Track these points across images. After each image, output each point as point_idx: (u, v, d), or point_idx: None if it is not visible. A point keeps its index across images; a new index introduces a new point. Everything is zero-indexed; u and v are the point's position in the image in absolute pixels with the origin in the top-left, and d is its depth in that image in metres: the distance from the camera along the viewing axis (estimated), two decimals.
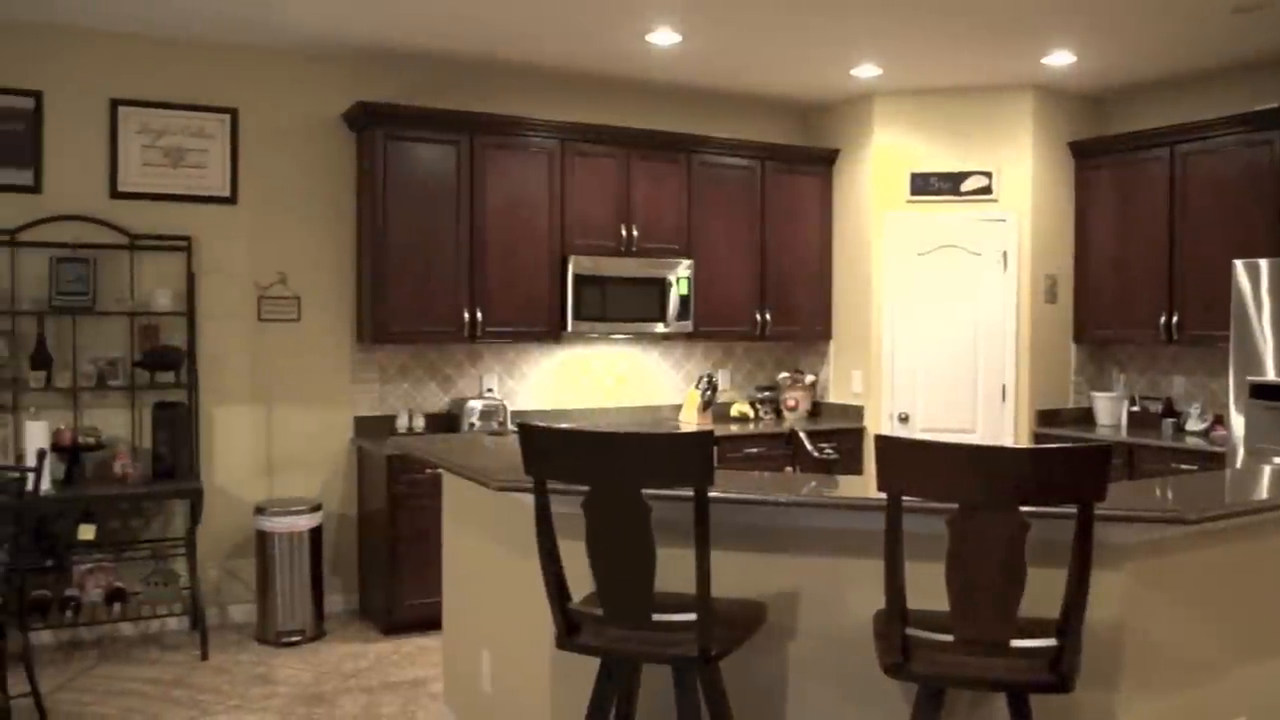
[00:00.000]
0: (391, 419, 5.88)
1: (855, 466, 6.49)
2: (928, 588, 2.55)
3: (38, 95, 5.23)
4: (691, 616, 2.45)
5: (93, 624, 5.31)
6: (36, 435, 4.88)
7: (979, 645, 2.28)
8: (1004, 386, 6.40)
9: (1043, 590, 2.51)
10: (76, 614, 5.11)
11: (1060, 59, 5.77)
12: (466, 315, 5.72)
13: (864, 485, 2.99)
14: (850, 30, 5.31)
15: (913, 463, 2.25)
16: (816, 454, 3.40)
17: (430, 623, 5.23)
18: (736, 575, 2.91)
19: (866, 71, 6.08)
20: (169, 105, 5.46)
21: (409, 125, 5.58)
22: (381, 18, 5.13)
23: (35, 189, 5.21)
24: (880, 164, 6.56)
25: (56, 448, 5.00)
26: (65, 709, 4.40)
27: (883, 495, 2.31)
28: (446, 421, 5.97)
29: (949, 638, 2.30)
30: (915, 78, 6.23)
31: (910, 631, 2.33)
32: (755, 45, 5.59)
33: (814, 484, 2.92)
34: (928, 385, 6.50)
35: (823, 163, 6.83)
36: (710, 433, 2.37)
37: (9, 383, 5.11)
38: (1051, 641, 2.27)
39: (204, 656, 5.07)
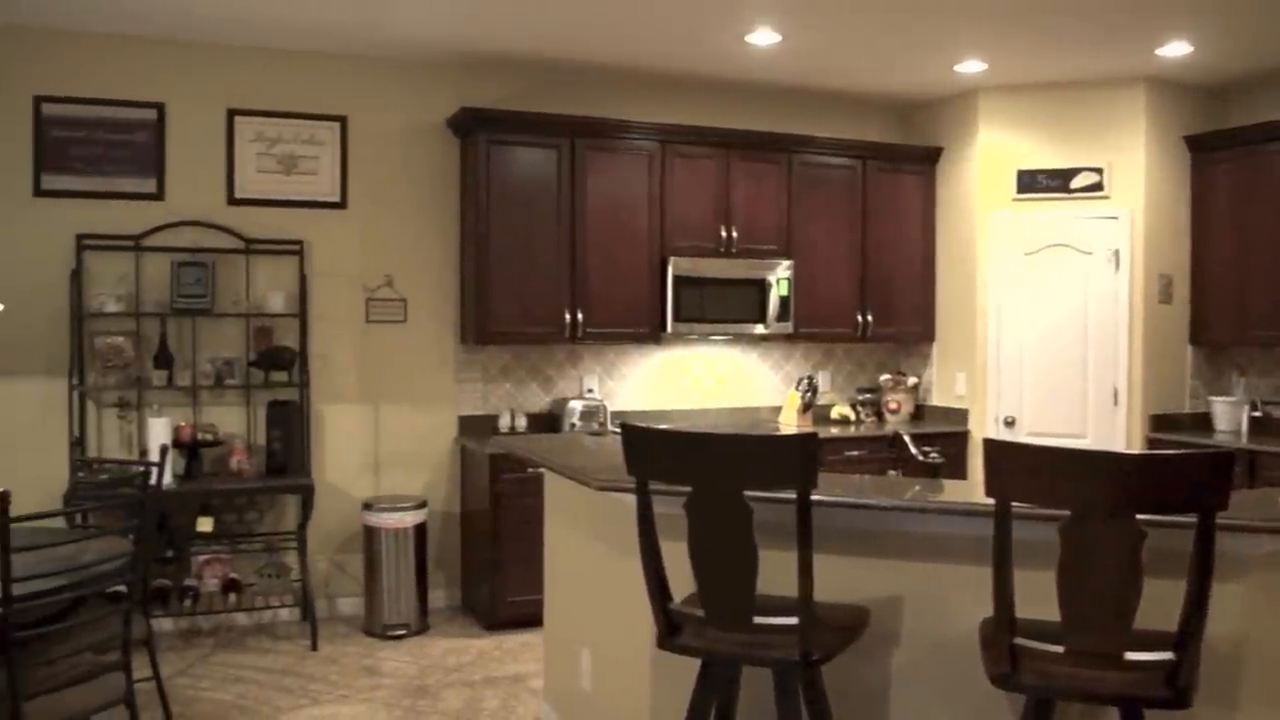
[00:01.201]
0: (494, 418, 5.97)
1: (959, 471, 6.37)
2: (1037, 596, 2.49)
3: (160, 107, 5.44)
4: (793, 620, 2.44)
5: (209, 613, 5.51)
6: (159, 431, 5.09)
7: (1091, 657, 2.22)
8: (1115, 390, 6.22)
9: (1159, 601, 2.43)
10: (194, 603, 5.31)
11: (1175, 50, 5.59)
12: (568, 316, 5.78)
13: (970, 490, 2.95)
14: (954, 25, 5.22)
15: (1023, 468, 2.21)
16: (921, 457, 3.36)
17: (531, 620, 5.29)
18: (839, 579, 2.89)
19: (971, 67, 5.97)
20: (282, 114, 5.64)
21: (511, 129, 5.67)
22: (485, 25, 5.21)
23: (158, 196, 5.43)
24: (985, 161, 6.43)
25: (177, 443, 5.20)
26: (184, 694, 4.58)
27: (991, 501, 2.27)
28: (548, 421, 6.04)
29: (1059, 648, 2.25)
30: (1022, 72, 6.10)
31: (1019, 641, 2.29)
32: (856, 43, 5.53)
33: (919, 488, 2.88)
34: (1035, 388, 6.35)
35: (925, 161, 6.72)
36: (814, 435, 2.36)
37: (133, 381, 5.33)
38: (1168, 655, 2.20)
39: (313, 647, 5.22)
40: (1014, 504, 2.25)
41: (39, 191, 5.26)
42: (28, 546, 3.06)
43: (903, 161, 6.66)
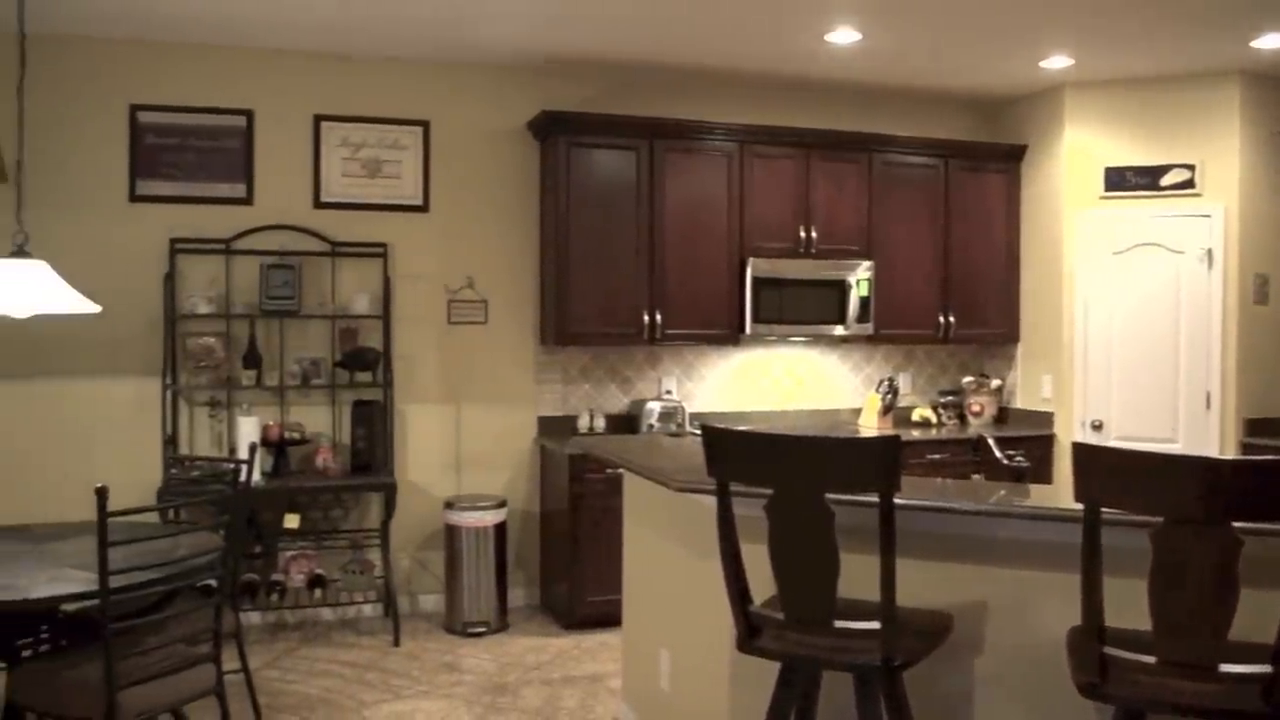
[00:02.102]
0: (573, 419, 6.01)
1: (1044, 476, 6.25)
2: (1127, 604, 2.44)
3: (249, 114, 5.58)
4: (875, 624, 2.42)
5: (295, 607, 5.63)
6: (248, 430, 5.23)
7: (1183, 668, 2.16)
8: (1208, 393, 6.04)
9: (1258, 612, 2.36)
10: (281, 597, 5.44)
11: (1271, 41, 5.41)
12: (646, 318, 5.79)
13: (1057, 495, 2.89)
14: (1039, 21, 5.12)
15: (1114, 473, 2.15)
16: (1006, 461, 3.30)
17: (610, 619, 5.31)
18: (921, 584, 2.86)
19: (1057, 63, 5.85)
20: (367, 119, 5.75)
21: (591, 132, 5.70)
22: (566, 29, 5.26)
23: (248, 200, 5.57)
24: (1072, 159, 6.30)
25: (265, 442, 5.33)
26: (271, 686, 4.69)
27: (1080, 506, 2.22)
28: (626, 422, 6.06)
29: (1150, 659, 2.19)
30: (1109, 68, 5.96)
31: (1108, 650, 2.24)
32: (938, 40, 5.46)
33: (1003, 492, 2.83)
34: (1123, 391, 6.20)
35: (1009, 159, 6.60)
36: (897, 438, 2.34)
37: (224, 380, 5.48)
38: (1265, 668, 2.13)
39: (395, 643, 5.31)
40: (1104, 510, 2.20)
41: (134, 197, 5.44)
42: (124, 540, 3.15)
43: (986, 160, 6.55)
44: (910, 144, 6.35)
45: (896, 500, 2.39)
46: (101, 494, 3.01)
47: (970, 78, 6.24)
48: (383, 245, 5.73)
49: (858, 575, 2.69)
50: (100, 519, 2.99)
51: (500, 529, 5.56)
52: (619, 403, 6.15)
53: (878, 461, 2.32)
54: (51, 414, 5.33)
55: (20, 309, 3.50)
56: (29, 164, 5.11)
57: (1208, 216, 6.04)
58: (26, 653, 3.59)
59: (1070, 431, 6.26)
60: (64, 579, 3.24)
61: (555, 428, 6.02)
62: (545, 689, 4.70)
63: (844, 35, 5.34)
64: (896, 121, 6.63)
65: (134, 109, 5.43)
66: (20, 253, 3.63)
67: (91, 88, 5.37)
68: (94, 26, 5.20)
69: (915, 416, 6.54)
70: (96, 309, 3.73)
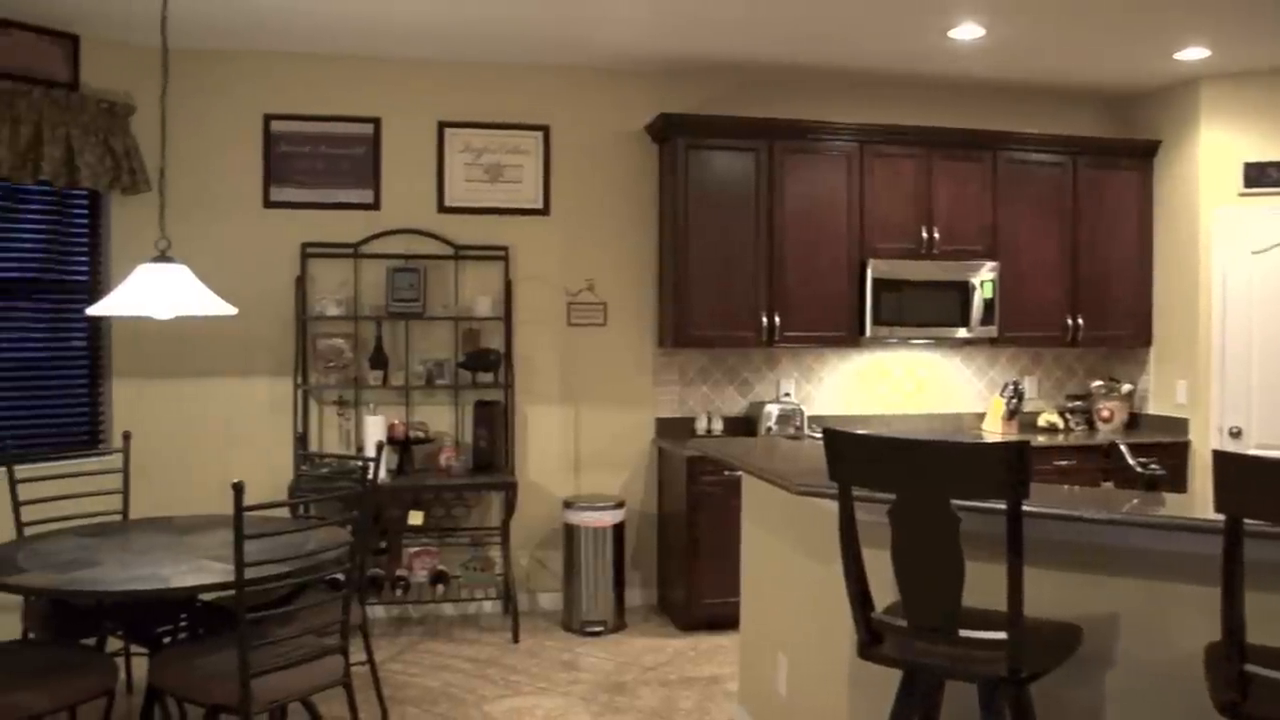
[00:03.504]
0: (691, 421, 6.02)
1: (1179, 484, 6.00)
2: (1269, 620, 2.33)
3: (376, 121, 5.75)
4: (1002, 634, 2.36)
5: (418, 602, 5.77)
6: (374, 429, 5.38)
7: None
8: None
9: None
10: (405, 592, 5.58)
11: None
12: (765, 320, 5.77)
13: (1194, 504, 2.78)
14: (1173, 11, 4.92)
15: (1259, 483, 2.06)
16: (1139, 469, 3.18)
17: (726, 622, 5.30)
18: (1049, 595, 2.78)
19: (1192, 54, 5.61)
20: (489, 125, 5.85)
21: (709, 134, 5.70)
22: (685, 32, 5.27)
23: (375, 206, 5.73)
24: (1209, 155, 6.04)
25: (390, 440, 5.47)
26: (395, 678, 4.81)
27: (1221, 517, 2.13)
28: (744, 424, 6.04)
29: None
30: (1248, 58, 5.69)
31: (1249, 668, 2.14)
32: (1065, 33, 5.29)
33: (1136, 501, 2.74)
34: (1264, 396, 5.91)
35: (1141, 156, 6.37)
36: (1026, 443, 2.27)
37: (351, 380, 5.64)
38: None
39: (515, 640, 5.39)
40: (1247, 521, 2.10)
41: (268, 203, 5.65)
42: (259, 534, 3.28)
43: (1116, 157, 6.32)
44: (1036, 141, 6.18)
45: (1025, 507, 2.33)
46: (238, 489, 3.12)
47: (1099, 72, 6.04)
48: (504, 248, 5.83)
49: (983, 583, 2.63)
50: (237, 513, 3.11)
51: (618, 529, 5.60)
52: (737, 405, 6.14)
53: (1006, 467, 2.26)
54: (191, 411, 5.57)
55: (163, 310, 3.67)
56: (170, 172, 5.35)
57: None
58: (166, 639, 3.76)
59: (1206, 438, 6.00)
60: (202, 570, 3.38)
61: (673, 429, 6.04)
62: (662, 690, 4.71)
63: (967, 31, 5.23)
64: (1021, 118, 6.46)
65: (268, 118, 5.64)
66: (163, 257, 3.80)
67: (228, 99, 5.60)
68: (230, 40, 5.42)
69: (1041, 422, 6.36)
70: (233, 311, 3.88)
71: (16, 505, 4.28)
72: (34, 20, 5.00)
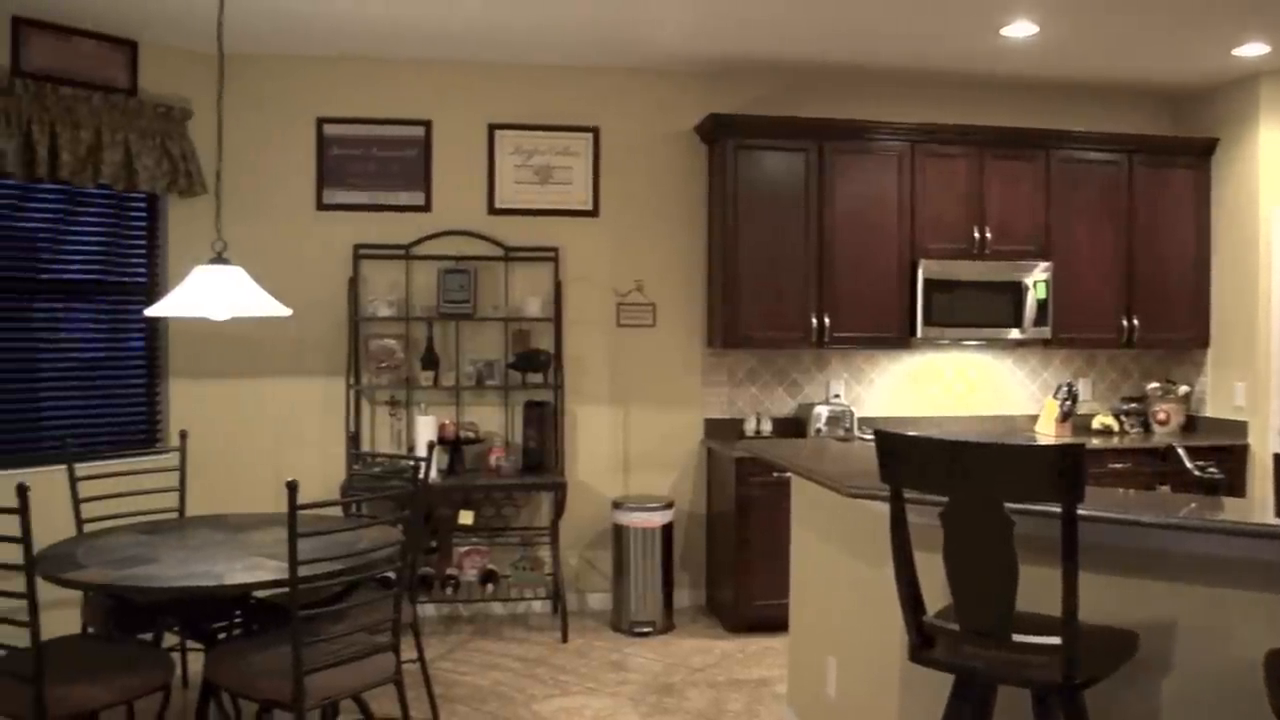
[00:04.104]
0: (740, 422, 6.01)
1: (1238, 488, 5.88)
2: None
3: (428, 124, 5.80)
4: (1055, 640, 2.33)
5: (468, 601, 5.81)
6: (425, 429, 5.42)
7: None
8: None
9: None
10: (455, 591, 5.62)
11: None
12: (814, 321, 5.74)
13: (1252, 508, 2.72)
14: (1232, 6, 4.82)
15: None
16: (1197, 472, 3.13)
17: (775, 624, 5.28)
18: (1104, 600, 2.74)
19: (1252, 50, 5.50)
20: (538, 127, 5.88)
21: (758, 134, 5.69)
22: (735, 32, 5.26)
23: (426, 208, 5.79)
24: (1270, 153, 5.90)
25: (441, 440, 5.51)
26: (445, 676, 4.84)
27: None
28: (793, 426, 6.02)
29: None
30: None
31: None
32: (1120, 29, 5.21)
33: (1194, 505, 2.69)
34: None
35: (1198, 154, 6.25)
36: (1081, 446, 2.24)
37: (403, 381, 5.70)
38: None
39: (564, 639, 5.41)
40: None
41: (321, 205, 5.72)
42: (312, 532, 3.31)
43: (1173, 155, 6.21)
44: (1090, 140, 6.09)
45: (1080, 511, 2.30)
46: (292, 488, 3.16)
47: (1155, 69, 5.94)
48: (554, 250, 5.86)
49: (1036, 588, 2.60)
50: (290, 511, 3.14)
51: (667, 530, 5.60)
52: (786, 406, 6.11)
53: (1061, 470, 2.24)
54: (246, 411, 5.65)
55: (219, 311, 3.73)
56: (226, 175, 5.44)
57: None
58: (221, 635, 3.82)
59: (1266, 441, 5.87)
60: (257, 567, 3.42)
61: (721, 430, 6.03)
62: (710, 691, 4.70)
63: (1020, 28, 5.16)
64: (1075, 117, 6.36)
65: (320, 122, 5.71)
66: (219, 259, 3.86)
67: (282, 102, 5.68)
68: (284, 44, 5.49)
69: (1096, 424, 6.26)
70: (287, 312, 3.93)
71: (77, 502, 4.37)
72: (94, 27, 5.11)
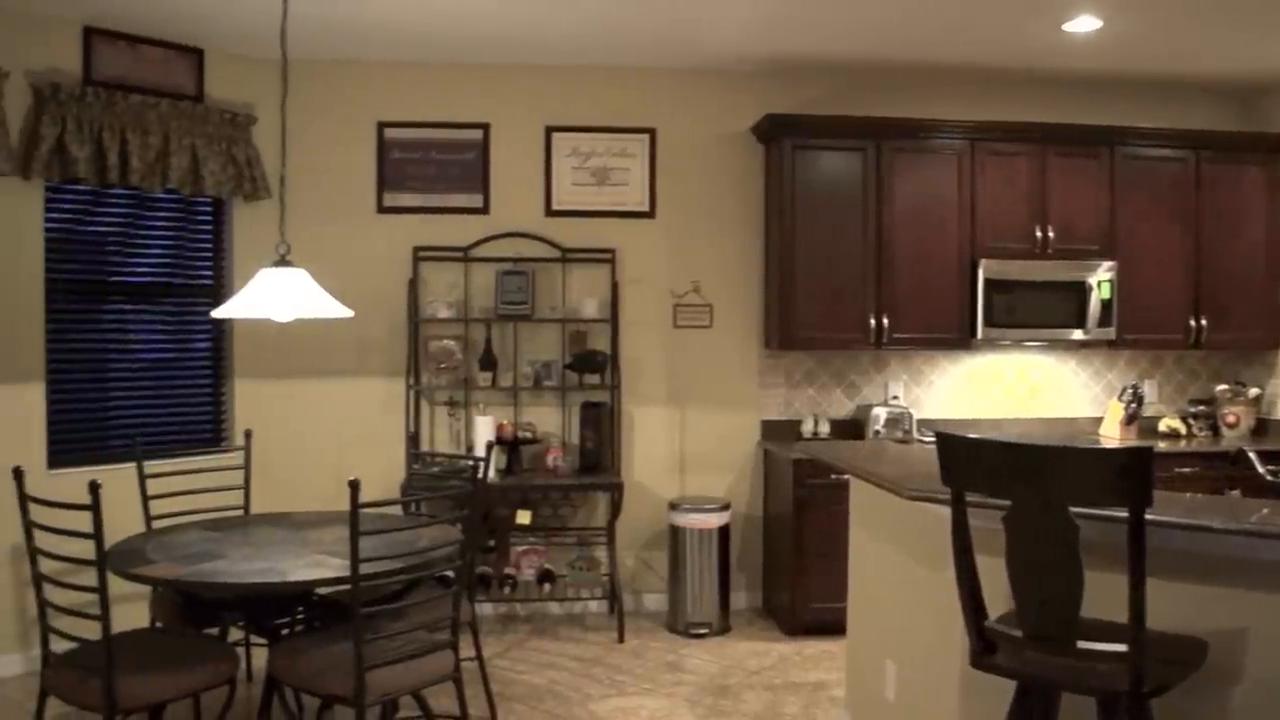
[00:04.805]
0: (797, 423, 5.98)
1: None
2: None
3: (486, 127, 5.84)
4: (1122, 647, 2.29)
5: (525, 600, 5.84)
6: (483, 429, 5.47)
7: None
8: None
9: None
10: (512, 590, 5.65)
11: None
12: (873, 322, 5.69)
13: None
14: None
15: None
16: (1269, 476, 3.06)
17: (833, 627, 5.24)
18: (1172, 607, 2.68)
19: None
20: (595, 129, 5.90)
21: (816, 134, 5.66)
22: (792, 31, 5.23)
23: (484, 210, 5.84)
24: None
25: (499, 440, 5.55)
26: (503, 675, 4.88)
27: None
28: (850, 428, 5.97)
29: None
30: None
31: None
32: (1187, 22, 5.10)
33: (1266, 511, 2.62)
34: None
35: (1269, 150, 6.08)
36: (1149, 448, 2.20)
37: (461, 381, 5.75)
38: None
39: (620, 639, 5.42)
40: None
41: (381, 208, 5.79)
42: (373, 530, 3.36)
43: (1243, 151, 6.06)
44: (1156, 136, 5.96)
45: (1147, 516, 2.25)
46: (354, 486, 3.20)
47: (1223, 63, 5.80)
48: (610, 251, 5.88)
49: (1101, 593, 2.56)
50: (353, 510, 3.19)
51: (724, 531, 5.59)
52: (844, 407, 6.07)
53: (1128, 474, 2.19)
54: (308, 411, 5.74)
55: (283, 313, 3.79)
56: (289, 179, 5.52)
57: None
58: (284, 631, 3.88)
59: None
60: (319, 565, 3.48)
61: (778, 432, 6.00)
62: (767, 694, 4.69)
63: (1083, 23, 5.08)
64: (1139, 112, 6.24)
65: (381, 126, 5.78)
66: (283, 262, 3.92)
67: (343, 107, 5.76)
68: (346, 50, 5.57)
69: (1162, 427, 6.14)
70: (349, 313, 3.98)
71: (146, 500, 4.47)
72: (162, 36, 5.22)
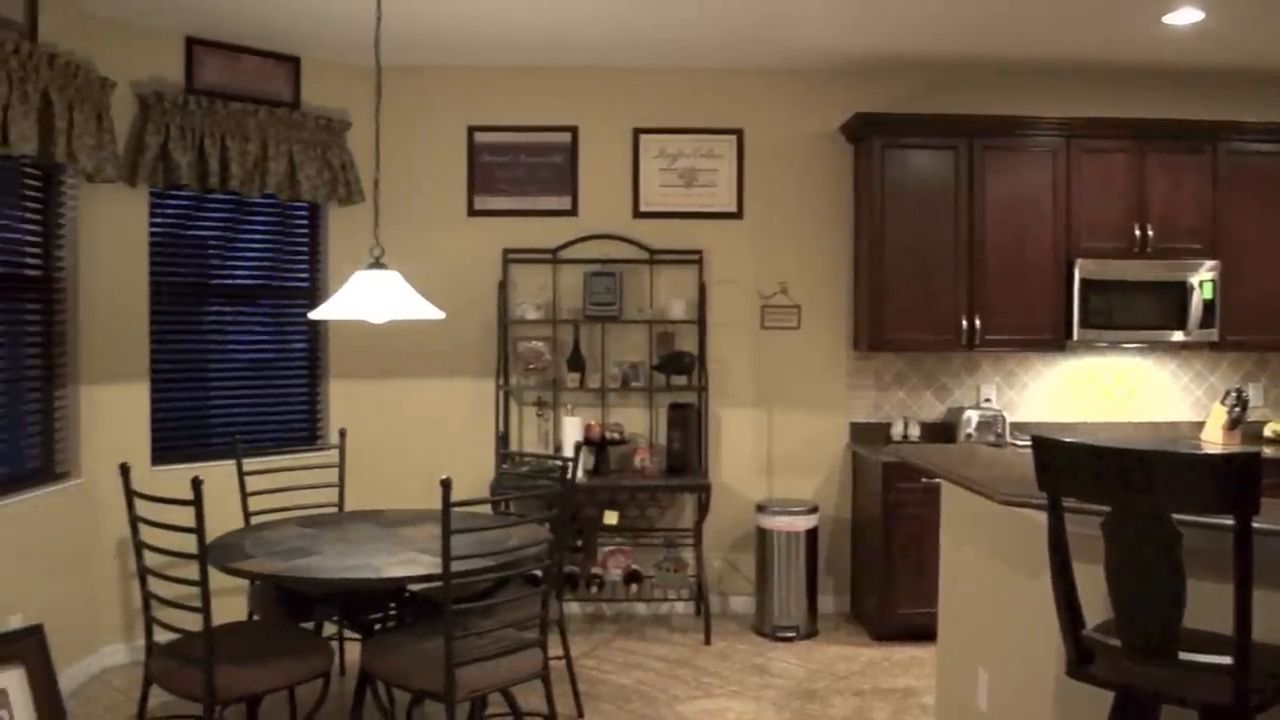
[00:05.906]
0: (886, 426, 5.91)
1: None
2: None
3: (574, 130, 5.89)
4: (1226, 659, 2.22)
5: (612, 600, 5.87)
6: (571, 429, 5.51)
7: None
8: None
9: None
10: (600, 590, 5.69)
11: None
12: (964, 323, 5.60)
13: None
14: None
15: None
16: None
17: (922, 633, 5.18)
18: (1278, 619, 2.59)
19: None
20: (682, 130, 5.91)
21: (906, 132, 5.58)
22: (880, 28, 5.17)
23: (572, 212, 5.88)
24: None
25: (587, 441, 5.59)
26: (589, 674, 4.91)
27: None
28: (941, 431, 5.88)
29: None
30: None
31: None
32: None
33: None
34: None
35: None
36: (1257, 454, 2.13)
37: (550, 382, 5.80)
38: None
39: (706, 641, 5.41)
40: None
41: (472, 211, 5.87)
42: (463, 529, 3.41)
43: None
44: (1262, 131, 5.75)
45: (1254, 524, 2.18)
46: (446, 485, 3.25)
47: None
48: (698, 252, 5.87)
49: (1202, 604, 2.48)
50: (444, 508, 3.24)
51: (811, 534, 5.55)
52: (935, 410, 5.98)
53: (1234, 481, 2.13)
54: (400, 410, 5.84)
55: (378, 314, 3.86)
56: (383, 184, 5.64)
57: None
58: (377, 627, 3.96)
59: None
60: (412, 562, 3.54)
61: (867, 434, 5.94)
62: (855, 699, 4.64)
63: (1184, 15, 4.93)
64: (1243, 107, 6.03)
65: (471, 130, 5.86)
66: (377, 264, 4.00)
67: (435, 112, 5.85)
68: (437, 56, 5.66)
69: (1268, 432, 5.92)
70: (441, 315, 4.05)
71: (245, 496, 4.60)
72: (260, 46, 5.36)
